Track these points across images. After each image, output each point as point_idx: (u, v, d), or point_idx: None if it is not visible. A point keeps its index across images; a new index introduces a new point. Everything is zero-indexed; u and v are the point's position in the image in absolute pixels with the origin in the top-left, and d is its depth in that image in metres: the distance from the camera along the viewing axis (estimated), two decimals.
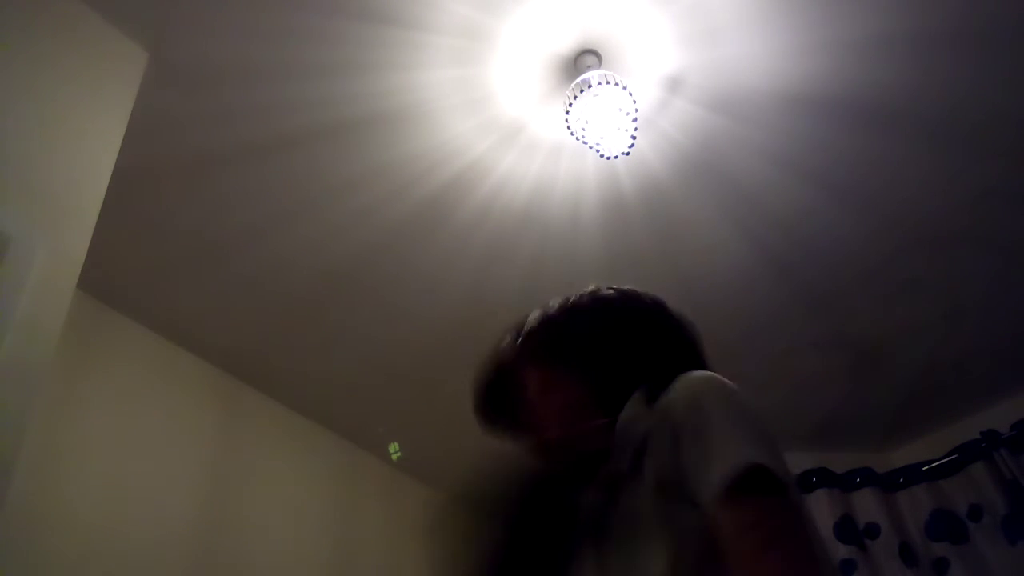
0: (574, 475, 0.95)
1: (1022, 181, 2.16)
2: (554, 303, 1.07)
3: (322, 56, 1.89)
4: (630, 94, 1.89)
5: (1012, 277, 2.39)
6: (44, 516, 1.91)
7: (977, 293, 2.43)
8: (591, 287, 1.08)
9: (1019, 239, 2.30)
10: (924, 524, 2.52)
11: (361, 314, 2.47)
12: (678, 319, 1.04)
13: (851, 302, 2.48)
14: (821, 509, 2.56)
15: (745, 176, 2.16)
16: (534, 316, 1.07)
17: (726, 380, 0.83)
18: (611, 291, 1.06)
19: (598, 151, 1.93)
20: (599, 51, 1.94)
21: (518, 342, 1.06)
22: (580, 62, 1.93)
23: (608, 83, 1.86)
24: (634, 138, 1.92)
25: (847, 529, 2.55)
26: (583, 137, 1.92)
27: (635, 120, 1.90)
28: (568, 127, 1.94)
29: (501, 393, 1.06)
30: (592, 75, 1.88)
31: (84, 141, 1.65)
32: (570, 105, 1.89)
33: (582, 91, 1.87)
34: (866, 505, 2.61)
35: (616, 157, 1.96)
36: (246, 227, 2.22)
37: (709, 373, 0.85)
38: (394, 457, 2.93)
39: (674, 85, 1.98)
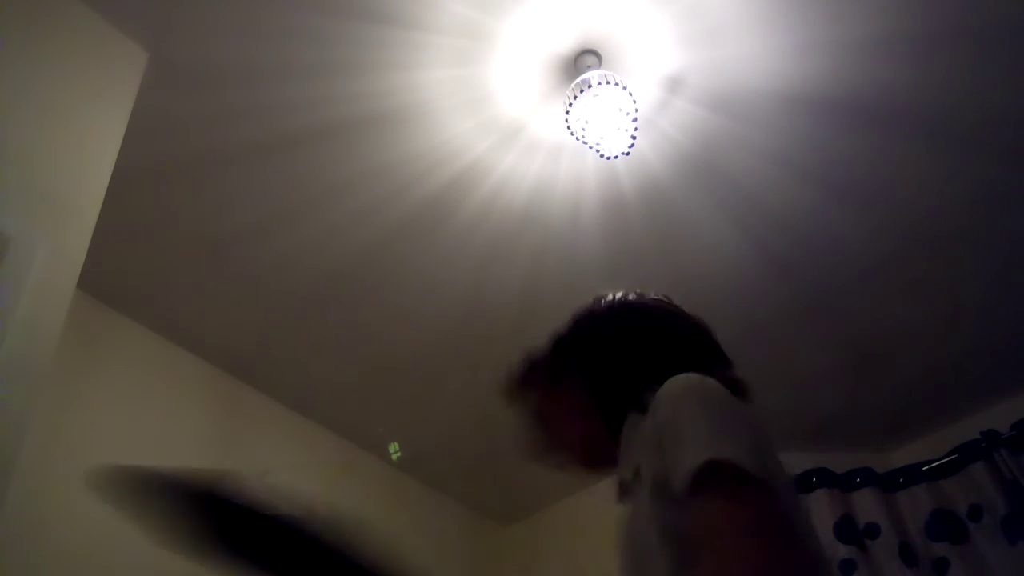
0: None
1: (1022, 181, 2.16)
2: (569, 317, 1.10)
3: (322, 56, 1.89)
4: (630, 94, 1.89)
5: (1012, 277, 2.39)
6: (44, 516, 1.91)
7: (977, 293, 2.43)
8: (606, 294, 1.09)
9: (1019, 239, 2.30)
10: (924, 524, 2.52)
11: (361, 314, 2.47)
12: (682, 319, 1.05)
13: (851, 302, 2.47)
14: (821, 509, 2.56)
15: (745, 176, 2.16)
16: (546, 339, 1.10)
17: (706, 378, 0.84)
18: (613, 297, 1.08)
19: (598, 151, 1.94)
20: (599, 51, 1.94)
21: (522, 368, 1.09)
22: (580, 62, 1.93)
23: (608, 83, 1.87)
24: (634, 138, 1.92)
25: (847, 529, 2.55)
26: (583, 137, 1.92)
27: (635, 120, 1.90)
28: (568, 127, 1.94)
29: (533, 425, 1.08)
30: (592, 75, 1.88)
31: (84, 141, 1.65)
32: (570, 105, 1.89)
33: (582, 91, 1.87)
34: (866, 505, 2.61)
35: (616, 157, 1.96)
36: (246, 227, 2.22)
37: (692, 374, 0.86)
38: (394, 457, 2.93)
39: (674, 85, 1.98)
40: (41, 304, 1.39)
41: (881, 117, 2.03)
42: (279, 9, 1.80)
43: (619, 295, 1.08)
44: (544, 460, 1.08)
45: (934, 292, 2.43)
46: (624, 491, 0.91)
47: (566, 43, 1.92)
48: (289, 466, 2.65)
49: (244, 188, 2.13)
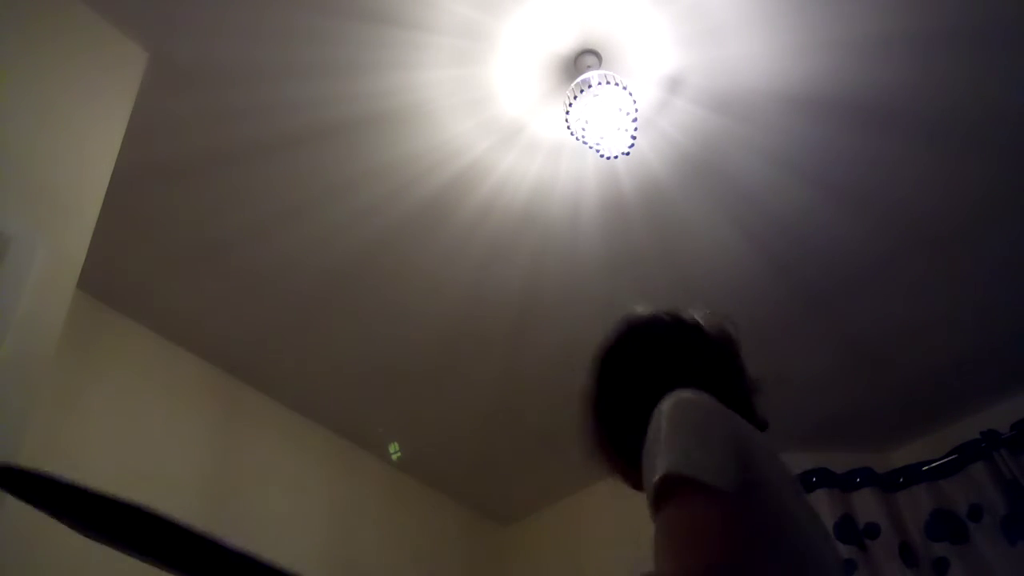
0: None
1: (1021, 180, 2.16)
2: None
3: (323, 56, 1.89)
4: (630, 94, 1.89)
5: (1012, 277, 2.39)
6: (44, 516, 1.91)
7: (977, 293, 2.43)
8: (625, 320, 1.14)
9: (1019, 239, 2.30)
10: (924, 524, 2.53)
11: (362, 313, 2.47)
12: (686, 333, 1.13)
13: (851, 302, 2.47)
14: (821, 509, 2.56)
15: (745, 176, 2.17)
16: None
17: (686, 394, 0.87)
18: (622, 332, 1.13)
19: (598, 151, 1.94)
20: (599, 51, 1.94)
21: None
22: (580, 62, 1.94)
23: (608, 83, 1.87)
24: (634, 138, 1.92)
25: (847, 529, 2.55)
26: (583, 137, 1.92)
27: (635, 120, 1.90)
28: (568, 127, 1.94)
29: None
30: (592, 75, 1.88)
31: (84, 141, 1.65)
32: (570, 105, 1.89)
33: (582, 91, 1.87)
34: (866, 505, 2.61)
35: (616, 157, 1.96)
36: (246, 227, 2.22)
37: (680, 391, 0.88)
38: (394, 457, 2.93)
39: (674, 85, 1.98)
40: (41, 304, 1.40)
41: (880, 117, 2.03)
42: (280, 9, 1.80)
43: (631, 325, 1.13)
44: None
45: (934, 292, 2.43)
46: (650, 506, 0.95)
47: (566, 43, 1.92)
48: (289, 466, 2.65)
49: (244, 188, 2.13)
